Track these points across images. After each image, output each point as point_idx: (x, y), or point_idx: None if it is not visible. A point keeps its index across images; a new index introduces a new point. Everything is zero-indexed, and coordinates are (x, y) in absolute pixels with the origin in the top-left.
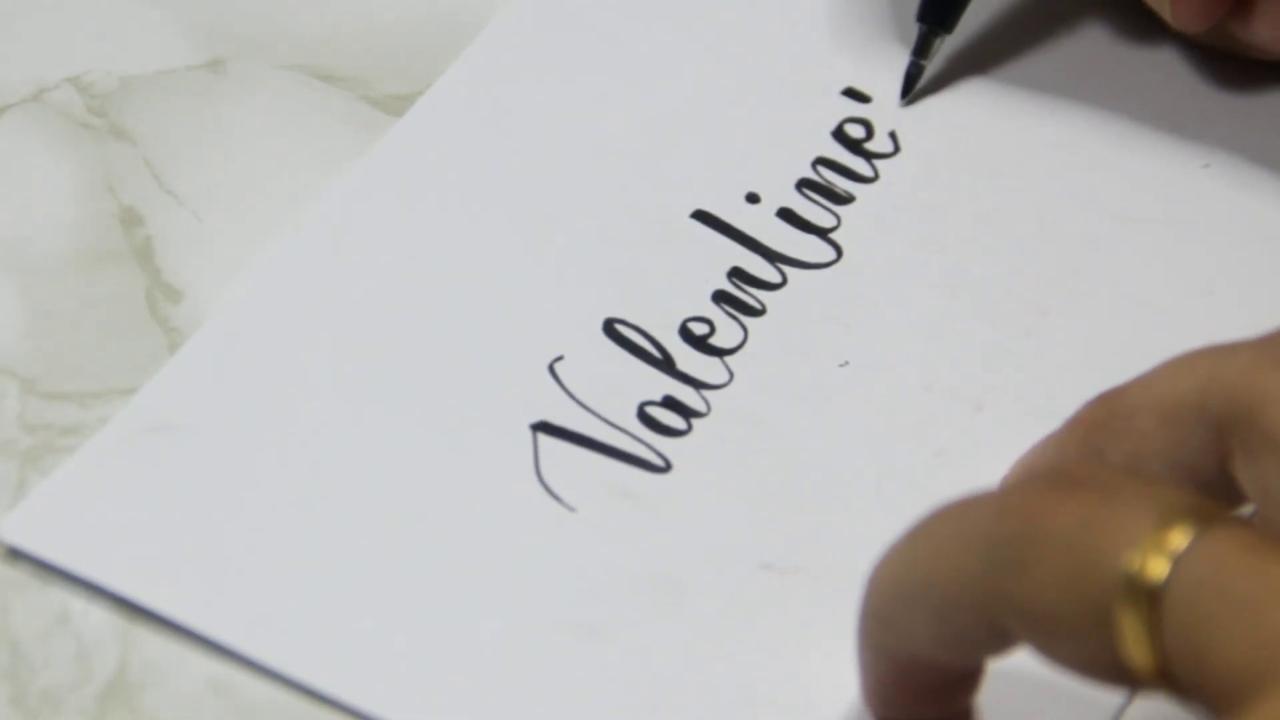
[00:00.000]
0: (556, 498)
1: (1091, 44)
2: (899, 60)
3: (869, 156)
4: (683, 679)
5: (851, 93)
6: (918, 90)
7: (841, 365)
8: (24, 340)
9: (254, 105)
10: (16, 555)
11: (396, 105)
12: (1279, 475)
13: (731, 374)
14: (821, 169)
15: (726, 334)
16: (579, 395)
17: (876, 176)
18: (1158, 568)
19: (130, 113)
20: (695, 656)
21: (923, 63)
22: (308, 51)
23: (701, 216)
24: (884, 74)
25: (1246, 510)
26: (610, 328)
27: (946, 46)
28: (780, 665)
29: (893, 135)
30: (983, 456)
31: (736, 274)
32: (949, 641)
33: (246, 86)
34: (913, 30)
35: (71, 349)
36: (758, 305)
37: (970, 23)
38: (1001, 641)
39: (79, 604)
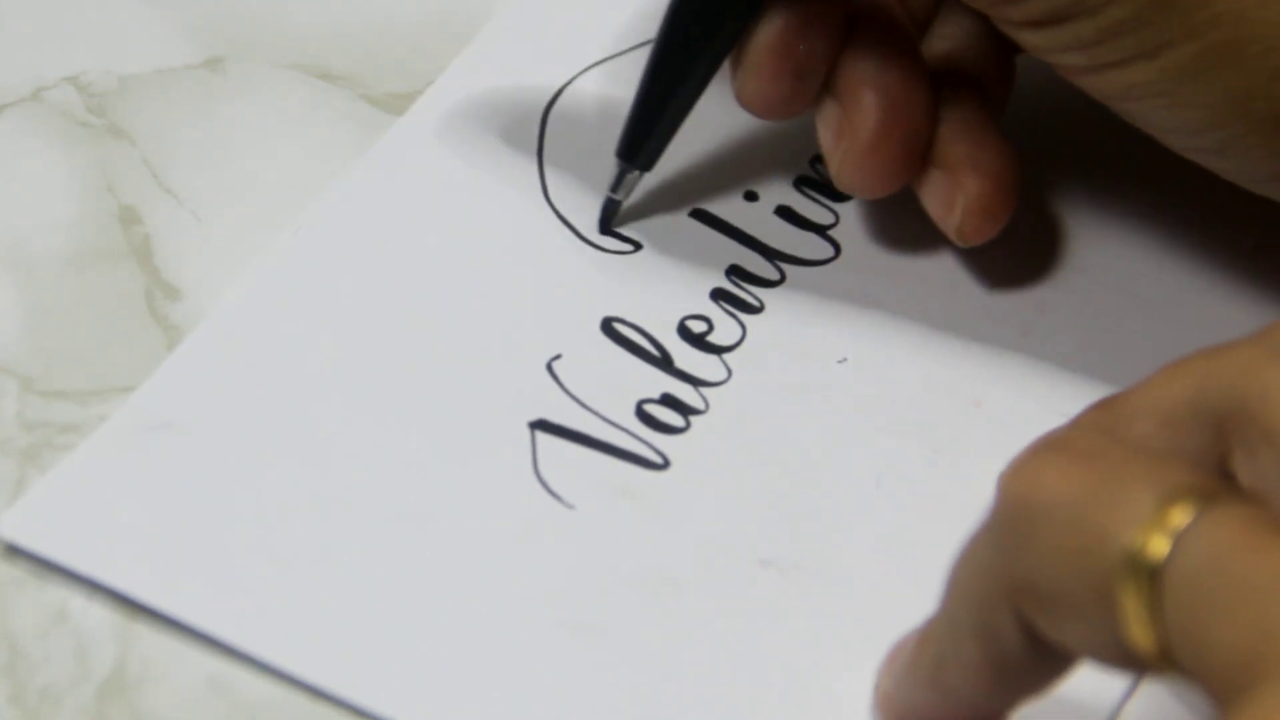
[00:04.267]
0: (555, 496)
1: None
2: None
3: None
4: (682, 676)
5: None
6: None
7: (840, 362)
8: (23, 338)
9: (253, 104)
10: (15, 552)
11: (396, 104)
12: (1276, 468)
13: (730, 371)
14: (820, 167)
15: (725, 331)
16: (577, 393)
17: None
18: (1158, 546)
19: (129, 112)
20: (694, 654)
21: (617, 198)
22: (307, 50)
23: (700, 215)
24: None
25: None
26: (609, 326)
27: None
28: (780, 662)
29: None
30: (981, 454)
31: (735, 271)
32: (992, 652)
33: (245, 85)
34: None
35: (70, 347)
36: (756, 303)
37: None
38: (1032, 641)
39: (78, 601)
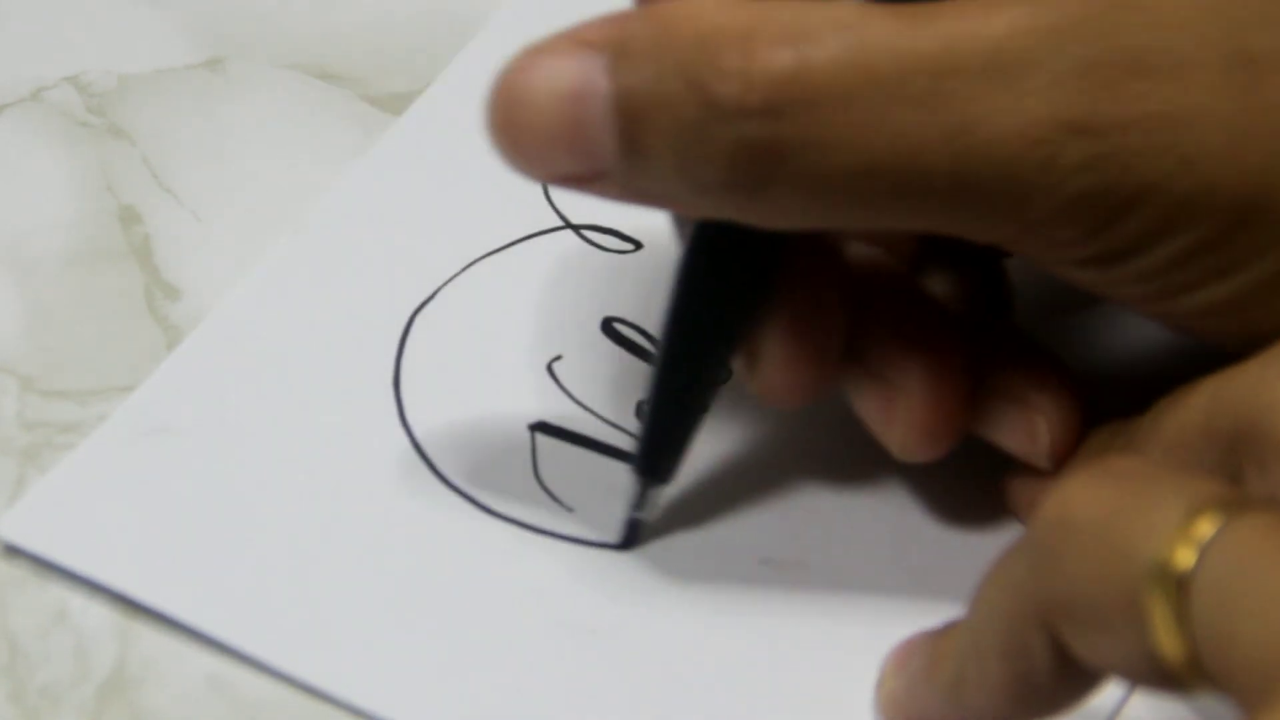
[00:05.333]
0: (554, 497)
1: None
2: None
3: None
4: (683, 676)
5: None
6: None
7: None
8: (23, 338)
9: (253, 104)
10: (15, 553)
11: (395, 104)
12: None
13: (730, 370)
14: None
15: None
16: (577, 395)
17: None
18: (1185, 556)
19: (129, 112)
20: (695, 653)
21: (644, 517)
22: (306, 50)
23: None
24: None
25: None
26: (609, 326)
27: None
28: (780, 660)
29: None
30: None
31: None
32: (1018, 671)
33: (245, 85)
34: None
35: (70, 347)
36: None
37: None
38: (1060, 661)
39: (77, 601)
